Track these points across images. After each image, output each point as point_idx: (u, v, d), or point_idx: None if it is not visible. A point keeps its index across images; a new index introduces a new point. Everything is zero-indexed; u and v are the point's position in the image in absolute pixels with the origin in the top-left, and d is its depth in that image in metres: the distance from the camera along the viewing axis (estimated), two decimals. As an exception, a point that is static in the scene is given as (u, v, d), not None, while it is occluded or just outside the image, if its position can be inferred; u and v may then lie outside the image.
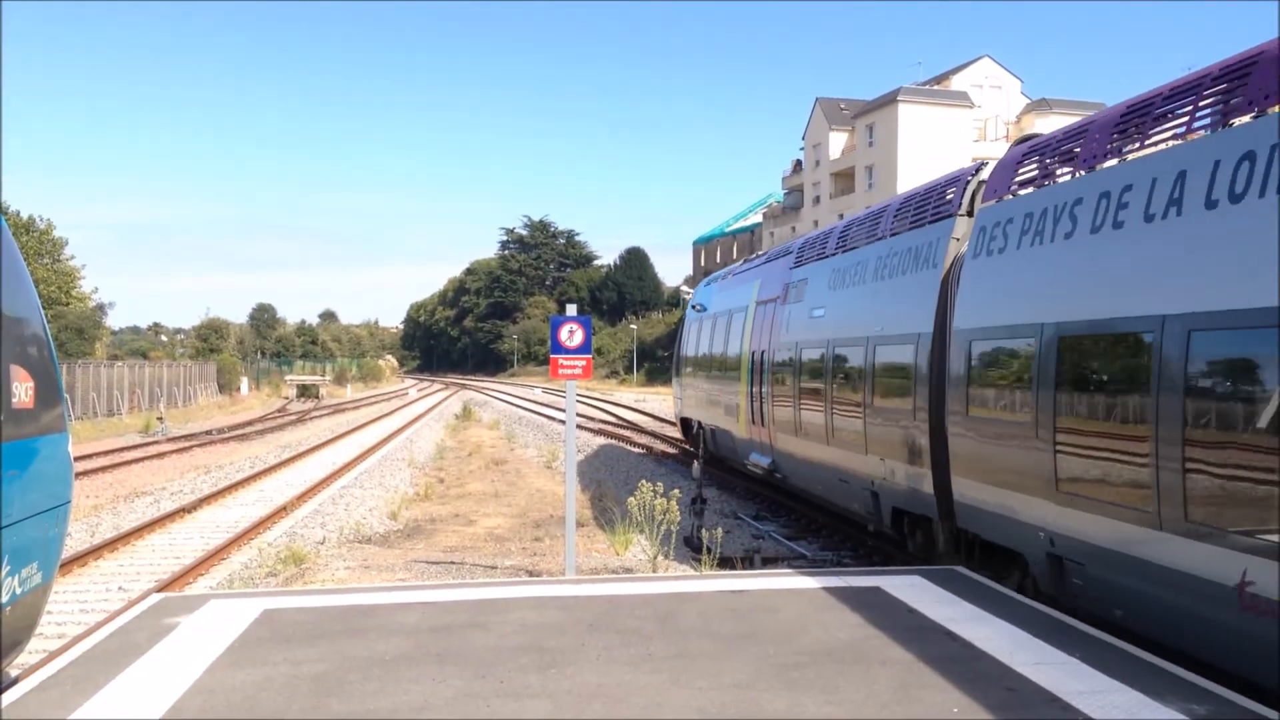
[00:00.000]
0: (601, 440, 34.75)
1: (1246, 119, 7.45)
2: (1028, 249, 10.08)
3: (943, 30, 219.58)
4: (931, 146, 70.86)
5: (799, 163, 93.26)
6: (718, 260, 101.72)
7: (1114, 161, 9.05)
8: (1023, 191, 10.64)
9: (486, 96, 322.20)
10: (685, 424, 28.24)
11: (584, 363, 12.38)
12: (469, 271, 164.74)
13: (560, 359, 12.33)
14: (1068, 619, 8.82)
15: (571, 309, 12.98)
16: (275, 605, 9.67)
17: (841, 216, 44.23)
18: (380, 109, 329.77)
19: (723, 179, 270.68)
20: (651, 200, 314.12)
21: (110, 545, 15.97)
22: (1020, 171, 10.88)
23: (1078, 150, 9.86)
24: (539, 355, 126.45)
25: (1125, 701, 6.71)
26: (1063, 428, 9.11)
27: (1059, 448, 9.13)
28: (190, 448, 33.75)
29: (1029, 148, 11.20)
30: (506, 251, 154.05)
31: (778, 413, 18.13)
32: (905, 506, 12.86)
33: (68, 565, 14.12)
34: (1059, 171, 10.13)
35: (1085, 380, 8.99)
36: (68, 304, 66.34)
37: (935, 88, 78.53)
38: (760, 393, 19.29)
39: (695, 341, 26.29)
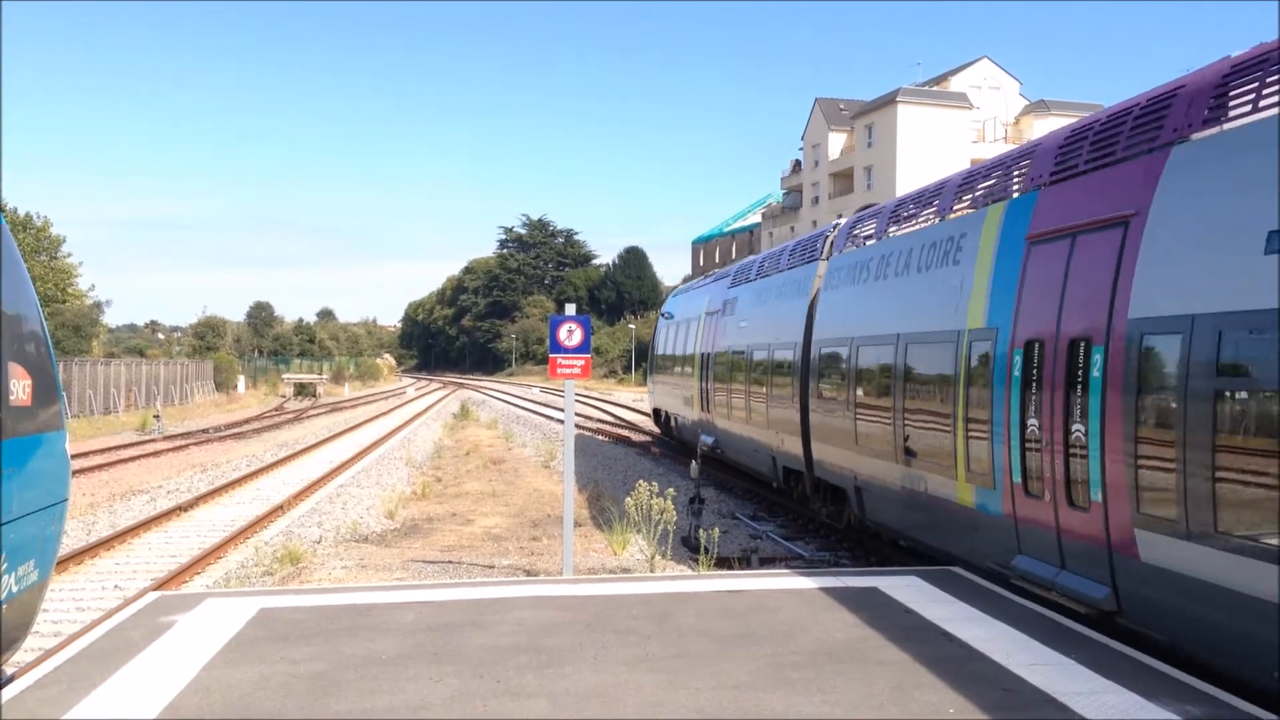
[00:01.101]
0: (600, 440, 34.75)
1: (965, 209, 12.13)
2: (848, 288, 15.02)
3: (942, 31, 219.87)
4: (930, 147, 70.91)
5: (798, 163, 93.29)
6: (716, 260, 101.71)
7: (888, 234, 14.33)
8: (849, 249, 15.69)
9: (486, 95, 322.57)
10: (656, 413, 33.58)
11: (583, 362, 12.37)
12: (467, 270, 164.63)
13: (559, 358, 12.32)
14: (1064, 620, 8.83)
15: (570, 308, 12.98)
16: (272, 604, 9.67)
17: (841, 217, 44.58)
18: (379, 106, 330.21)
19: (722, 179, 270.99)
20: (651, 200, 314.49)
21: (106, 543, 15.96)
22: (851, 234, 15.93)
23: (875, 224, 15.06)
24: (537, 355, 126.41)
25: (1120, 702, 6.72)
26: (863, 406, 13.77)
27: (859, 419, 13.90)
28: (187, 446, 33.72)
29: (858, 216, 16.52)
30: (505, 250, 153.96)
31: (717, 401, 22.85)
32: (789, 465, 17.55)
33: (64, 563, 14.10)
34: (867, 237, 15.19)
35: (876, 372, 13.40)
36: (65, 301, 66.20)
37: (934, 89, 78.56)
38: (706, 386, 23.91)
39: (663, 343, 31.38)
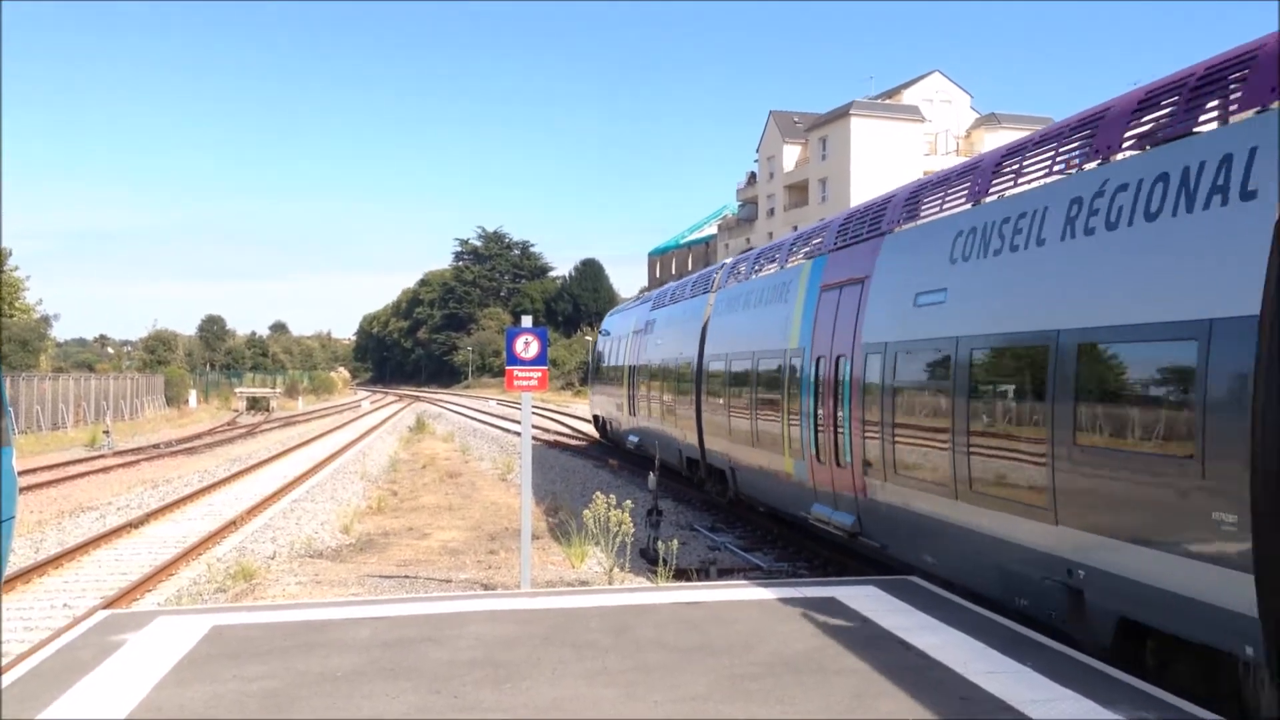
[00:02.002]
0: (557, 452, 34.67)
1: (797, 260, 16.08)
2: (727, 315, 19.28)
3: (894, 45, 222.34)
4: (883, 159, 71.67)
5: (754, 175, 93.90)
6: (673, 271, 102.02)
7: (753, 275, 18.47)
8: (730, 284, 19.72)
9: (440, 106, 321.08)
10: (595, 419, 37.06)
11: (539, 374, 12.34)
12: (423, 282, 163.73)
13: (515, 370, 12.28)
14: (1021, 628, 8.92)
15: (526, 320, 12.93)
16: (224, 621, 9.54)
17: (795, 228, 44.85)
18: (331, 117, 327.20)
19: (678, 191, 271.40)
20: (607, 212, 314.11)
21: (55, 561, 15.66)
22: (733, 272, 20.14)
23: (746, 266, 19.24)
24: (494, 367, 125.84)
25: (1077, 709, 6.79)
26: (733, 406, 17.85)
27: (731, 416, 17.96)
28: (137, 462, 33.23)
29: (737, 259, 20.90)
30: (461, 262, 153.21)
31: (639, 406, 27.18)
32: (690, 455, 21.64)
33: (11, 582, 13.83)
34: (741, 275, 19.35)
35: (740, 380, 17.33)
36: (12, 316, 65.03)
37: (887, 102, 79.45)
38: (633, 394, 28.03)
39: (601, 357, 35.49)
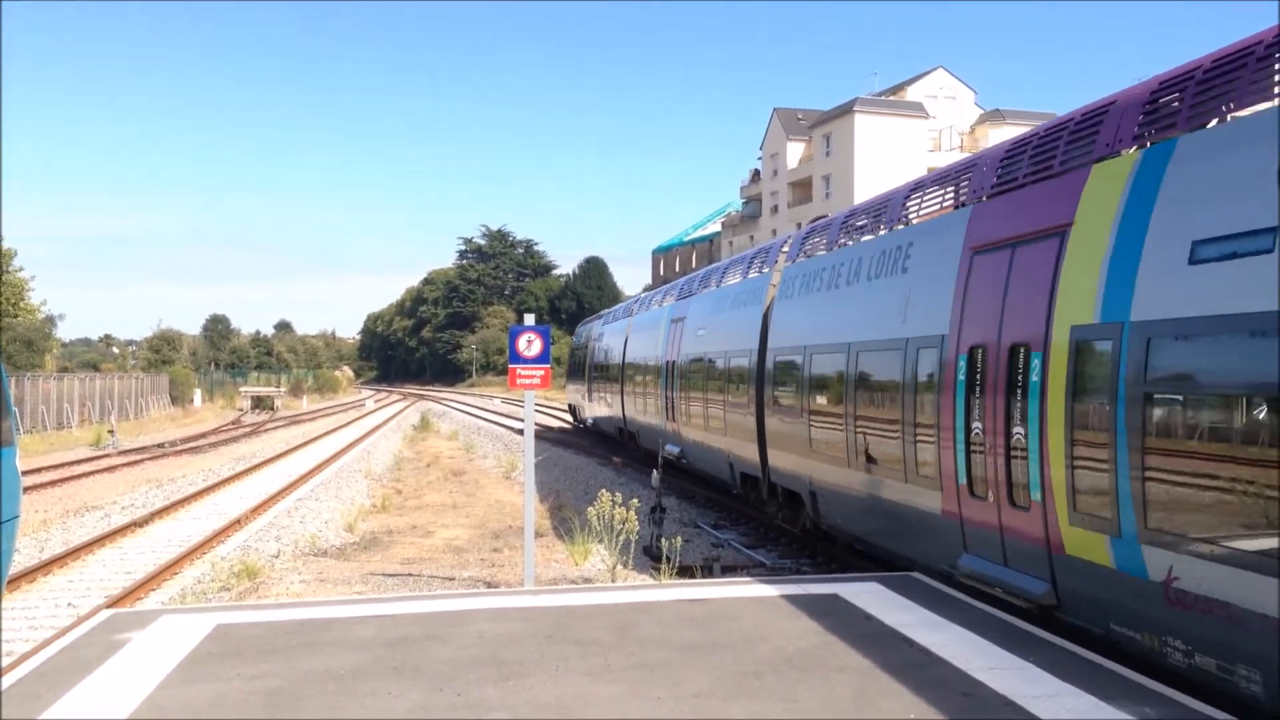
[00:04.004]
0: (560, 450, 34.67)
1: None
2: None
3: (898, 41, 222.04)
4: (887, 156, 71.61)
5: (757, 172, 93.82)
6: (676, 269, 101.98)
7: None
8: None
9: (444, 106, 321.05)
10: (570, 407, 45.68)
11: (542, 372, 12.35)
12: (427, 281, 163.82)
13: (519, 369, 12.29)
14: (1022, 623, 8.91)
15: (530, 318, 12.95)
16: (228, 620, 9.55)
17: (799, 225, 45.14)
18: (334, 118, 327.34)
19: (682, 188, 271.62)
20: (611, 210, 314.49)
21: (60, 560, 15.70)
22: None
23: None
24: (498, 365, 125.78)
25: (1079, 705, 6.78)
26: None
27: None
28: (142, 461, 33.27)
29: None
30: (464, 261, 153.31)
31: (593, 396, 36.43)
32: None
33: (15, 581, 13.87)
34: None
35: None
36: (16, 316, 65.06)
37: (891, 98, 79.36)
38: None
39: (574, 358, 44.97)
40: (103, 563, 16.14)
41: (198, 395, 76.10)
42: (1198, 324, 6.85)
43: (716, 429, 19.52)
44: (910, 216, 12.54)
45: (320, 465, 30.29)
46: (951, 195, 11.60)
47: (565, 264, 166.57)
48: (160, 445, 39.62)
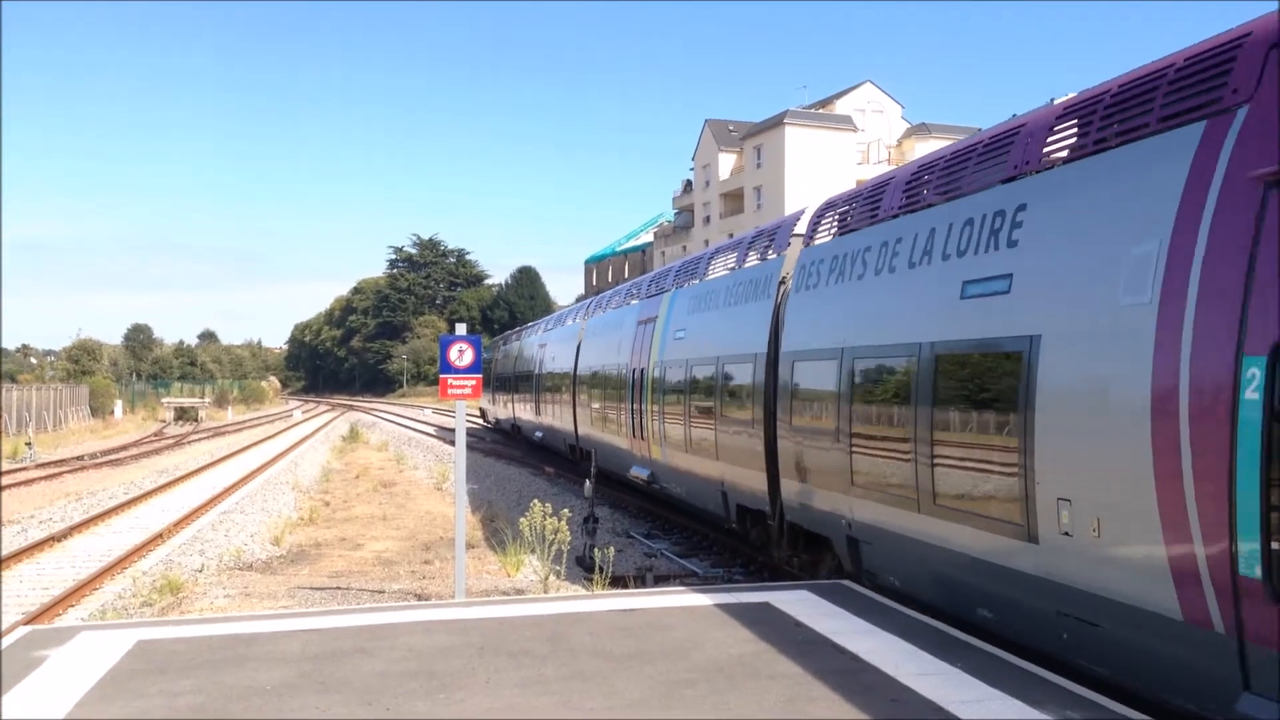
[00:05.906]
0: (492, 460, 34.48)
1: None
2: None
3: (827, 54, 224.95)
4: (817, 168, 72.34)
5: (689, 183, 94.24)
6: (609, 279, 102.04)
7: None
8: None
9: (374, 113, 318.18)
10: (481, 411, 54.00)
11: (474, 382, 12.27)
12: (356, 290, 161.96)
13: (450, 379, 12.20)
14: (952, 630, 9.04)
15: (461, 328, 12.86)
16: (150, 636, 9.34)
17: (731, 235, 45.67)
18: (262, 124, 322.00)
19: (615, 199, 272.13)
20: (543, 219, 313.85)
21: (-28, 577, 15.21)
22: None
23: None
24: (429, 375, 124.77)
25: (1005, 709, 6.90)
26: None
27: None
28: (61, 474, 32.40)
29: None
30: (395, 270, 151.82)
31: (498, 400, 45.04)
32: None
33: (-75, 599, 13.42)
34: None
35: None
36: (-72, 325, 63.20)
37: (820, 111, 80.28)
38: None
39: (490, 368, 47.80)
40: (19, 578, 15.68)
41: (119, 406, 74.28)
42: None
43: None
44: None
45: (246, 477, 29.75)
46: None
47: (497, 274, 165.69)
48: (80, 458, 38.60)
